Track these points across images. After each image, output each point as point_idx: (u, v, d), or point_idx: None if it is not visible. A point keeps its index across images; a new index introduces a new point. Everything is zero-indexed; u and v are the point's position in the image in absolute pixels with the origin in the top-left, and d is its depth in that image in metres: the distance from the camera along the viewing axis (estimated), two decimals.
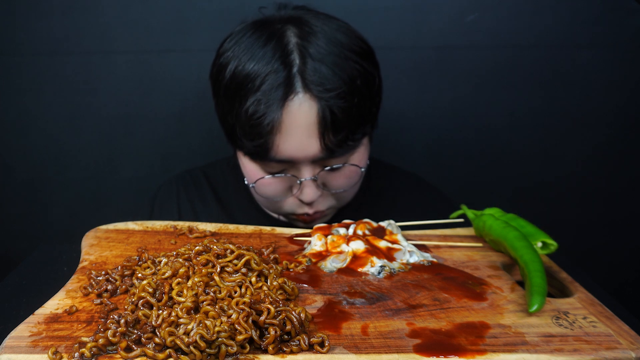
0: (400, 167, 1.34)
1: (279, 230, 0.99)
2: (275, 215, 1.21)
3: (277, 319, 0.65)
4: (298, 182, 1.04)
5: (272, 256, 0.85)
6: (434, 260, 0.88)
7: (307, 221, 1.10)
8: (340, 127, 0.98)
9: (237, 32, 1.05)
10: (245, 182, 1.13)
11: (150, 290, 0.70)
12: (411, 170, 1.35)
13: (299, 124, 0.98)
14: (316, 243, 0.90)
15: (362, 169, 1.08)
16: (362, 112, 1.02)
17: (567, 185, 1.63)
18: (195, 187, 1.27)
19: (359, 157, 1.07)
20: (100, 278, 0.77)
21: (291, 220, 1.15)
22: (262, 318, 0.65)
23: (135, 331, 0.63)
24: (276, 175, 1.04)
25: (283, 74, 0.97)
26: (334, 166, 1.04)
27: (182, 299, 0.68)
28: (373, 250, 0.86)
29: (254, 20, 1.06)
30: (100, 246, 0.89)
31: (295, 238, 0.95)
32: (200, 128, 1.52)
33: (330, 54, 0.99)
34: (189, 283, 0.71)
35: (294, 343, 0.64)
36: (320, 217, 1.11)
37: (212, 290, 0.71)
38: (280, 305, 0.68)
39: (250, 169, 1.07)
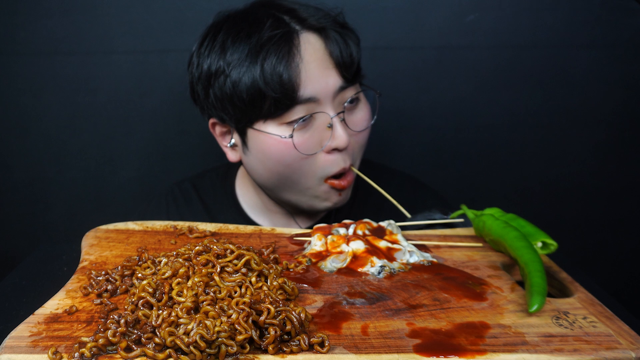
0: (391, 167, 1.34)
1: (279, 230, 0.99)
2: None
3: (277, 319, 0.65)
4: (327, 125, 1.05)
5: (272, 256, 0.85)
6: (434, 260, 0.88)
7: (341, 187, 1.09)
8: (348, 52, 1.06)
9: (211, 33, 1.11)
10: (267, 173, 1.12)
11: (150, 290, 0.70)
12: (408, 170, 1.35)
13: (314, 58, 1.04)
14: (316, 243, 0.90)
15: (375, 117, 1.14)
16: (357, 45, 1.10)
17: (567, 185, 1.63)
18: (185, 201, 1.28)
19: (366, 103, 1.13)
20: (100, 278, 0.77)
21: (320, 202, 1.12)
22: (262, 318, 0.65)
23: (135, 331, 0.63)
24: (304, 119, 1.05)
25: (277, 23, 1.05)
26: (351, 102, 1.08)
27: (182, 299, 0.68)
28: (373, 250, 0.86)
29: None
30: (100, 246, 0.89)
31: (295, 238, 0.95)
32: (200, 128, 1.52)
33: (310, 8, 1.09)
34: (189, 283, 0.71)
35: (294, 343, 0.64)
36: (347, 186, 1.11)
37: (212, 290, 0.71)
38: (280, 305, 0.68)
39: (278, 131, 1.06)
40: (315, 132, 1.06)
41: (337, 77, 1.05)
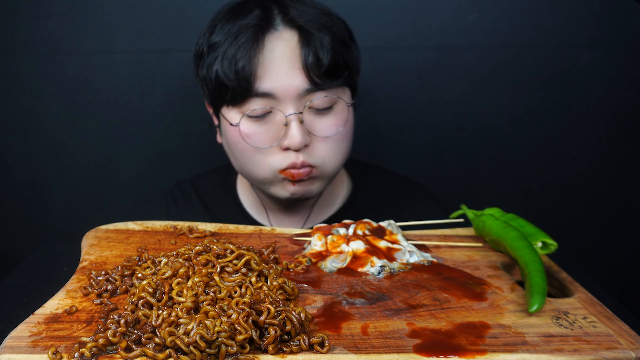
0: (391, 170, 1.34)
1: (279, 230, 0.99)
2: (267, 224, 1.21)
3: (277, 319, 0.65)
4: (284, 123, 1.03)
5: (272, 256, 0.85)
6: (434, 260, 0.88)
7: (295, 178, 1.06)
8: (322, 56, 1.02)
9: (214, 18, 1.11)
10: (233, 156, 1.12)
11: (150, 290, 0.70)
12: (408, 170, 1.35)
13: (281, 55, 1.02)
14: (316, 243, 0.90)
15: (343, 127, 1.08)
16: (342, 50, 1.06)
17: (567, 185, 1.63)
18: (185, 201, 1.28)
19: (343, 110, 1.08)
20: (100, 278, 0.77)
21: (278, 190, 1.10)
22: (262, 318, 0.65)
23: (135, 331, 0.63)
24: (261, 116, 1.04)
25: (263, 14, 1.04)
26: (319, 107, 1.04)
27: (182, 299, 0.68)
28: (373, 250, 0.86)
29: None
30: (100, 246, 0.89)
31: (295, 238, 0.95)
32: (200, 128, 1.52)
33: (308, 8, 1.06)
34: (189, 283, 0.71)
35: (294, 343, 0.64)
36: (307, 178, 1.07)
37: (212, 290, 0.71)
38: (280, 305, 0.68)
39: (235, 119, 1.05)
40: (272, 128, 1.05)
41: (303, 79, 1.02)
